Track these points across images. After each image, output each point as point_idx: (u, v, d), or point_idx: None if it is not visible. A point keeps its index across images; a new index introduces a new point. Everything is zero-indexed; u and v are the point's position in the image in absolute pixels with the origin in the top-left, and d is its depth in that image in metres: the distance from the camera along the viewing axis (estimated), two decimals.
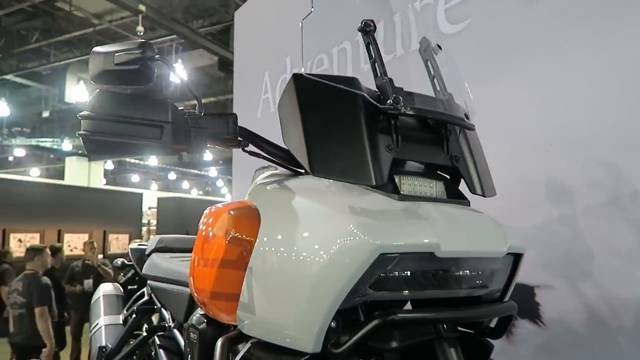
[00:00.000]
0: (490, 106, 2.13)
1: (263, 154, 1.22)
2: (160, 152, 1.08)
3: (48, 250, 5.44)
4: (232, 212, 1.12)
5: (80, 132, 1.02)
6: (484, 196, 1.10)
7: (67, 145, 17.59)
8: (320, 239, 0.89)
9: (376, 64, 1.03)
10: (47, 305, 4.69)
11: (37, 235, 8.80)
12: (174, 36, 12.16)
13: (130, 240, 10.24)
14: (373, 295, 0.89)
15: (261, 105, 3.59)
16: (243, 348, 1.04)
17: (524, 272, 1.93)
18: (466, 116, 1.08)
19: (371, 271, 0.85)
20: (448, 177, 1.11)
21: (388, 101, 0.96)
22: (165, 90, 14.01)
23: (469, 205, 1.08)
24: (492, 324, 1.10)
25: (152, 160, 20.89)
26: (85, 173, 18.07)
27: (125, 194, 12.97)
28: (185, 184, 26.78)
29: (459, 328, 1.10)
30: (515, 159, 2.03)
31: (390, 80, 1.00)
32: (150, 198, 17.44)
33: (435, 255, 0.87)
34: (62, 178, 18.60)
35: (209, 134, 1.13)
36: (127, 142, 1.03)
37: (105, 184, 17.29)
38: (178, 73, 1.16)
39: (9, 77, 14.87)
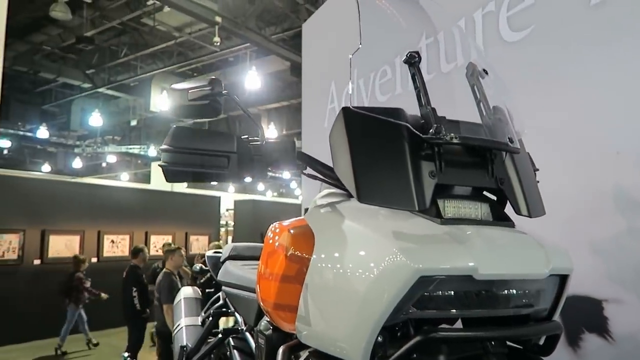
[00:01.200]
0: (556, 114, 2.10)
1: (320, 176, 1.32)
2: (228, 180, 1.21)
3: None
4: (292, 231, 1.22)
5: (161, 163, 1.17)
6: (530, 217, 1.12)
7: (152, 151, 18.75)
8: (367, 260, 0.97)
9: (421, 94, 1.09)
10: (170, 302, 5.02)
11: (127, 237, 9.52)
12: (248, 44, 12.60)
13: (210, 241, 10.78)
14: (416, 314, 0.95)
15: (327, 115, 3.71)
16: (302, 356, 1.14)
17: (592, 285, 1.90)
18: (510, 140, 1.11)
19: (412, 292, 0.92)
20: (495, 198, 1.15)
21: (430, 130, 1.02)
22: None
23: (514, 227, 1.10)
24: (541, 341, 1.12)
25: None
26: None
27: (205, 197, 13.63)
28: (261, 186, 27.60)
29: (508, 343, 1.13)
30: (583, 167, 1.98)
31: (433, 109, 1.06)
32: (228, 200, 18.17)
33: (474, 279, 0.92)
34: (149, 181, 19.87)
35: (271, 161, 1.24)
36: (199, 171, 1.17)
37: (187, 188, 18.22)
38: (241, 105, 1.29)
39: (101, 90, 16.14)
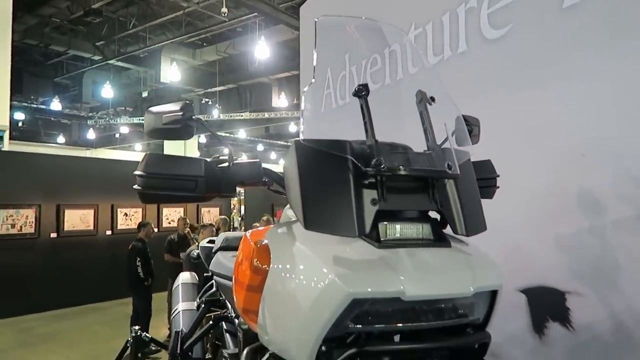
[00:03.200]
0: (526, 113, 2.17)
1: (284, 191, 1.43)
2: (197, 201, 1.33)
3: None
4: (257, 245, 1.35)
5: (135, 186, 1.29)
6: (467, 235, 1.22)
7: None
8: (310, 281, 1.09)
9: (367, 125, 1.18)
10: None
11: (139, 210, 9.80)
12: (256, 13, 12.49)
13: (221, 213, 11.02)
14: (354, 329, 1.08)
15: (324, 100, 3.78)
16: (262, 358, 1.29)
17: (557, 278, 2.02)
18: (449, 166, 1.20)
19: (348, 311, 1.04)
20: (438, 218, 1.25)
21: (372, 162, 1.12)
22: None
23: (449, 247, 1.20)
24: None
25: (241, 134, 21.87)
26: (181, 146, 19.39)
27: None
28: (273, 155, 27.77)
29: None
30: (549, 168, 2.07)
31: (376, 141, 1.16)
32: None
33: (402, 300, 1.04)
34: (162, 151, 20.13)
35: (237, 181, 1.35)
36: (170, 194, 1.29)
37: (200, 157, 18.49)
38: (209, 128, 1.40)
39: (112, 61, 16.23)
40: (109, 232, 9.45)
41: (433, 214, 1.26)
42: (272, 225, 1.44)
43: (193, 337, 2.30)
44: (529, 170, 2.11)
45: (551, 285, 2.04)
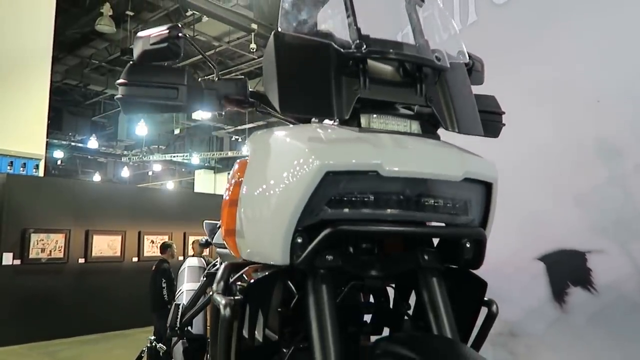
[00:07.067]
0: (537, 71, 2.09)
1: (272, 112, 1.38)
2: (180, 110, 1.29)
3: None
4: (238, 160, 1.29)
5: (117, 96, 1.27)
6: (459, 132, 1.13)
7: (195, 159, 19.32)
8: (282, 164, 1.01)
9: (349, 16, 1.13)
10: None
11: (166, 237, 9.83)
12: None
13: None
14: (330, 214, 0.99)
15: None
16: (242, 270, 1.20)
17: (576, 238, 1.87)
18: (437, 58, 1.13)
19: (322, 191, 0.95)
20: (427, 117, 1.16)
21: (353, 45, 1.06)
22: None
23: (439, 139, 1.11)
24: (469, 256, 1.11)
25: None
26: (211, 183, 19.68)
27: None
28: None
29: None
30: (565, 117, 1.96)
31: (359, 29, 1.10)
32: None
33: (381, 175, 0.95)
34: (192, 189, 20.46)
35: (221, 95, 1.31)
36: (151, 102, 1.26)
37: None
38: (196, 46, 1.37)
39: None
40: (135, 259, 9.50)
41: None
42: None
43: (193, 309, 2.21)
44: (543, 127, 2.00)
45: (571, 247, 1.89)
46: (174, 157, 19.89)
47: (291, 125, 1.25)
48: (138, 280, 8.79)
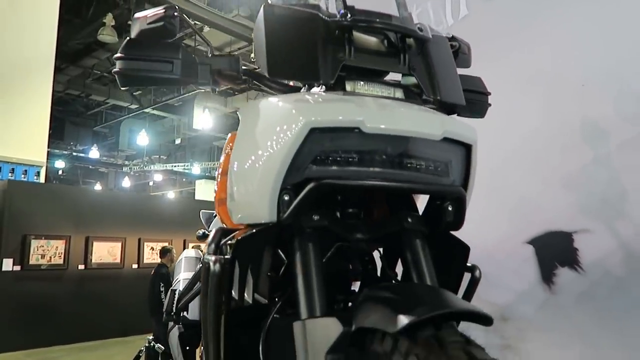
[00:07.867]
0: (523, 59, 2.14)
1: (264, 88, 1.43)
2: (175, 84, 1.34)
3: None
4: (231, 131, 1.34)
5: (115, 69, 1.32)
6: (441, 99, 1.18)
7: (196, 169, 19.37)
8: (269, 125, 1.06)
9: None
10: None
11: (166, 244, 9.87)
12: None
13: None
14: (315, 172, 1.03)
15: None
16: (233, 234, 1.24)
17: (564, 219, 1.91)
18: (420, 29, 1.18)
19: (307, 147, 0.99)
20: (411, 87, 1.22)
21: (339, 14, 1.12)
22: None
23: (422, 105, 1.16)
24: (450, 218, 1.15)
25: None
26: (212, 194, 19.69)
27: None
28: None
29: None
30: (552, 103, 2.01)
31: (344, 1, 1.16)
32: None
33: (364, 132, 0.99)
34: (194, 199, 20.49)
35: (214, 70, 1.36)
36: (147, 75, 1.31)
37: None
38: (191, 24, 1.43)
39: (147, 110, 16.96)
40: (135, 266, 9.51)
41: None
42: None
43: (189, 294, 2.24)
44: (528, 112, 2.05)
45: (558, 228, 1.93)
46: (175, 167, 19.97)
47: (281, 97, 1.30)
48: (138, 287, 8.79)
